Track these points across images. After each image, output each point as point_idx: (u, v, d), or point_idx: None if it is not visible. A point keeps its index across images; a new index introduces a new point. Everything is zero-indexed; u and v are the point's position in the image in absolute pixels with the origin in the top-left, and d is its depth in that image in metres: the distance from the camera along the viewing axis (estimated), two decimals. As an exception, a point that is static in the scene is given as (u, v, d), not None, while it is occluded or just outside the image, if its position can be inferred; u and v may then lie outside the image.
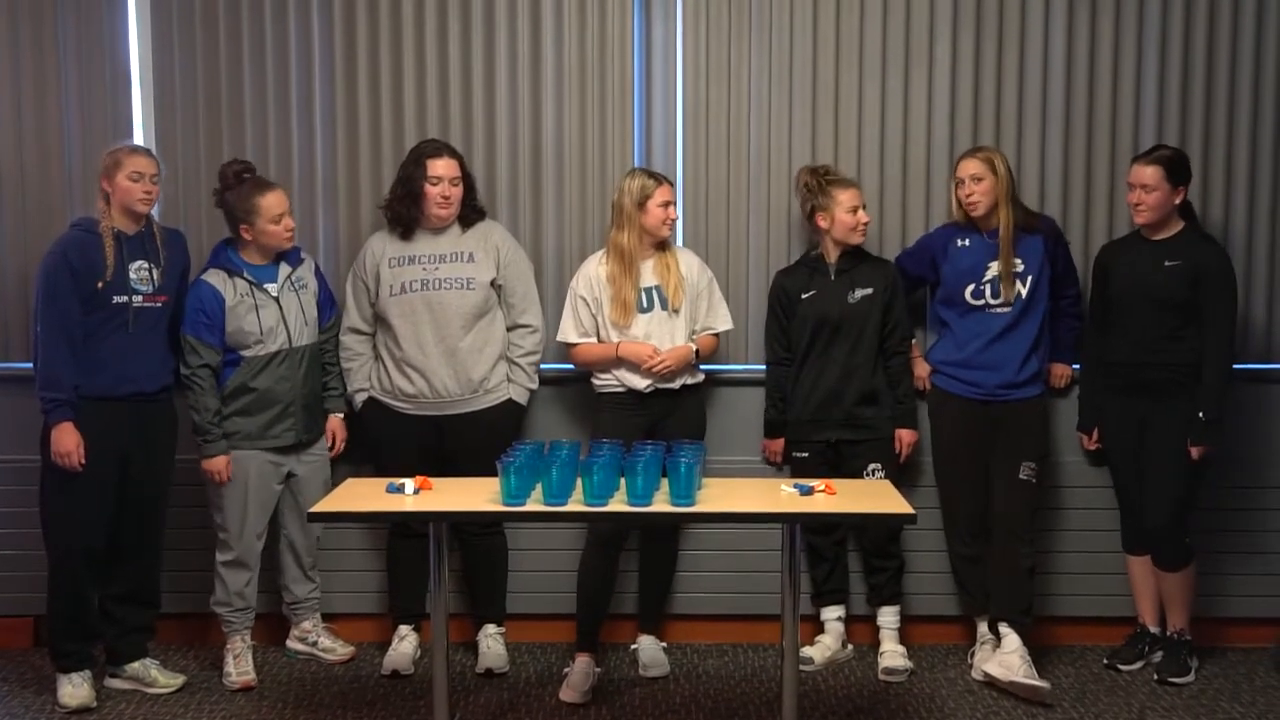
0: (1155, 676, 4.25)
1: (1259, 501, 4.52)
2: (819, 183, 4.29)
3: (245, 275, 4.19)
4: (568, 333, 4.31)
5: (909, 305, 4.41)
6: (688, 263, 4.31)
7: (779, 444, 4.43)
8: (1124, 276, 4.21)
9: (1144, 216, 4.13)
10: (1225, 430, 4.18)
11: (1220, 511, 4.46)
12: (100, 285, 3.93)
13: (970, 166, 4.21)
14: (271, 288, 4.21)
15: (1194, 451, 4.12)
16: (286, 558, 4.42)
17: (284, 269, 4.25)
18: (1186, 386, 4.14)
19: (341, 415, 4.41)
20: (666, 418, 4.25)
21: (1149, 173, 4.09)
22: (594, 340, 4.28)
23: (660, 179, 4.22)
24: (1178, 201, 4.14)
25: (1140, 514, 4.28)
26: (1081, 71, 4.48)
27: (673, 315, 4.24)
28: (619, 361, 4.22)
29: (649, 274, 4.25)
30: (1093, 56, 4.48)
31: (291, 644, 4.49)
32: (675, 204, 4.25)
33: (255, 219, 4.14)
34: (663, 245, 4.27)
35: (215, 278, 4.18)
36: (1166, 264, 4.12)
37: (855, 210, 4.26)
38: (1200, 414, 4.09)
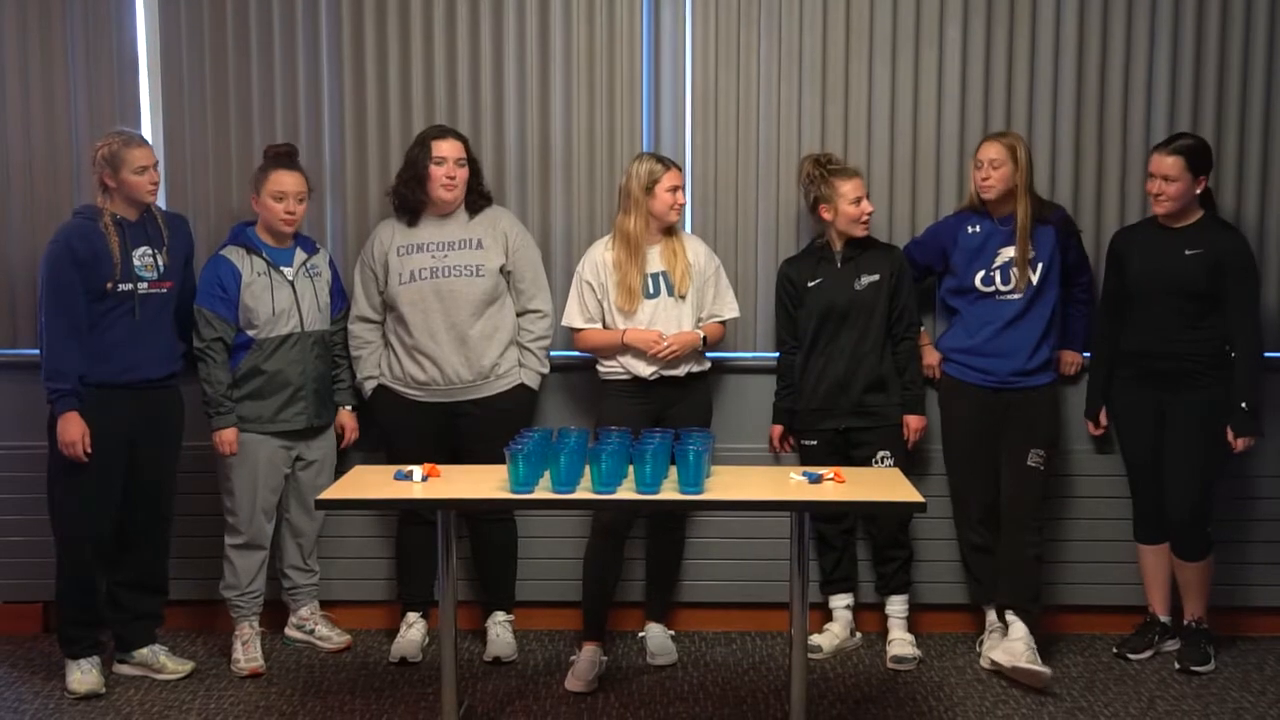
0: (1176, 665, 4.24)
1: (1272, 490, 4.50)
2: (821, 173, 4.26)
3: (263, 255, 4.20)
4: (573, 317, 4.29)
5: (917, 293, 4.39)
6: (695, 250, 4.30)
7: (780, 429, 4.42)
8: (1142, 264, 4.17)
9: (1164, 207, 4.10)
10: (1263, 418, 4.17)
11: (1234, 501, 4.45)
12: (110, 285, 3.93)
13: (991, 150, 4.18)
14: (287, 271, 4.23)
15: (1238, 444, 4.09)
16: (288, 544, 4.43)
17: (299, 254, 4.27)
18: (1205, 376, 4.12)
19: (350, 407, 4.41)
20: (673, 406, 4.23)
21: (1170, 163, 4.05)
22: (599, 326, 4.27)
23: (669, 164, 4.20)
24: (1198, 191, 4.10)
25: (1158, 504, 4.26)
26: (1093, 56, 4.45)
27: (679, 302, 4.22)
28: (625, 348, 4.21)
29: (656, 260, 4.24)
30: (1105, 41, 4.45)
31: (289, 631, 4.50)
32: (684, 189, 4.23)
33: (261, 189, 4.18)
34: (670, 231, 4.25)
35: (233, 254, 4.20)
36: (1187, 252, 4.09)
37: (858, 201, 4.23)
38: (1243, 405, 4.07)
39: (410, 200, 4.26)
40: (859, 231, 4.26)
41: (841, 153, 4.43)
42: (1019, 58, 4.47)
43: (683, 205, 4.22)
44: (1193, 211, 4.14)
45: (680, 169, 4.24)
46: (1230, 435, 4.09)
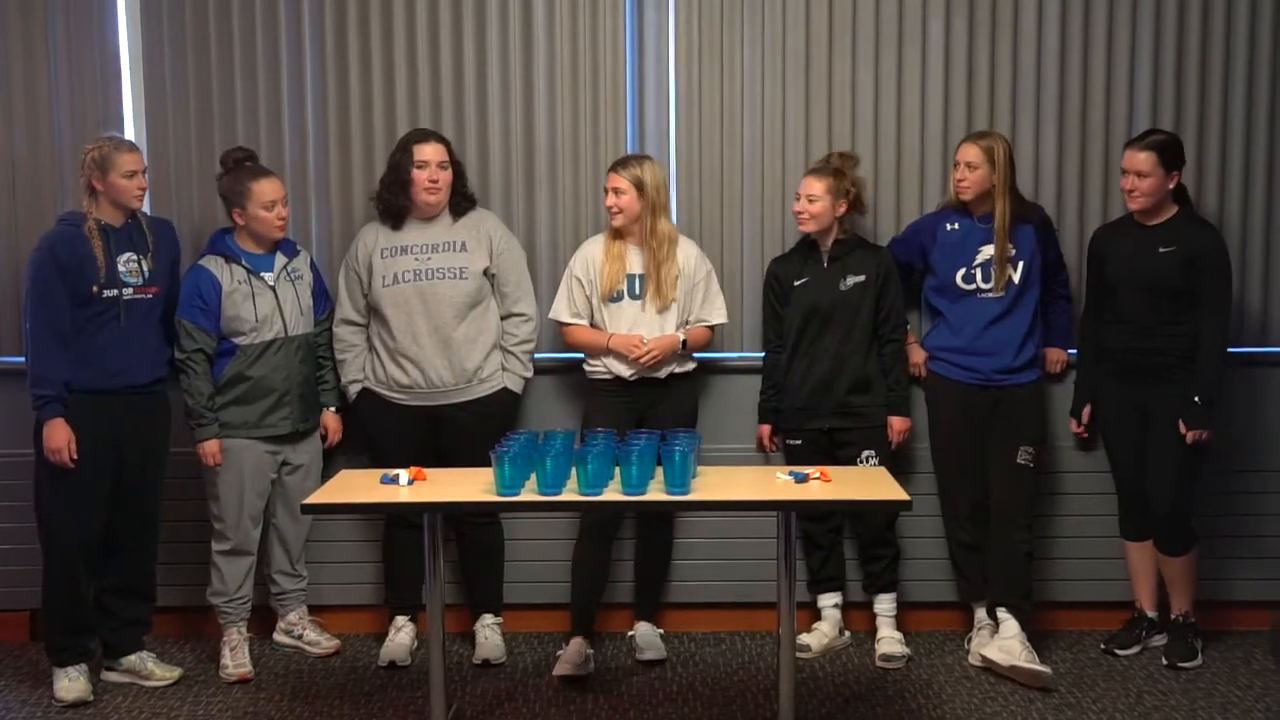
0: (1164, 661, 4.24)
1: (1256, 485, 4.51)
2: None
3: (242, 262, 4.19)
4: (560, 311, 4.30)
5: (904, 293, 4.39)
6: (686, 253, 4.30)
7: (767, 429, 4.42)
8: (1119, 263, 4.19)
9: (1138, 203, 4.12)
10: (1219, 414, 4.16)
11: (1218, 495, 4.46)
12: (95, 289, 3.92)
13: (968, 153, 4.19)
14: (268, 276, 4.22)
15: (1189, 436, 4.11)
16: (275, 549, 4.42)
17: (280, 259, 4.26)
18: (1186, 372, 4.13)
19: (334, 408, 4.40)
20: (656, 406, 4.24)
21: (1142, 159, 4.07)
22: (585, 323, 4.27)
23: (615, 165, 4.20)
24: (1171, 186, 4.12)
25: (1143, 500, 4.27)
26: (1075, 54, 4.47)
27: (665, 305, 4.22)
28: (609, 350, 4.22)
29: (643, 262, 4.23)
30: (1087, 38, 4.46)
31: (278, 636, 4.49)
32: (619, 192, 4.16)
33: (247, 203, 4.15)
34: (661, 234, 4.21)
35: (212, 264, 4.18)
36: (1161, 250, 4.11)
37: (798, 198, 4.25)
38: (1195, 398, 4.08)
39: (394, 205, 4.25)
40: (802, 229, 4.28)
41: (826, 152, 4.43)
42: (1001, 56, 4.48)
43: (621, 210, 4.17)
44: (1166, 208, 4.16)
45: (625, 174, 4.17)
46: (1182, 427, 4.10)
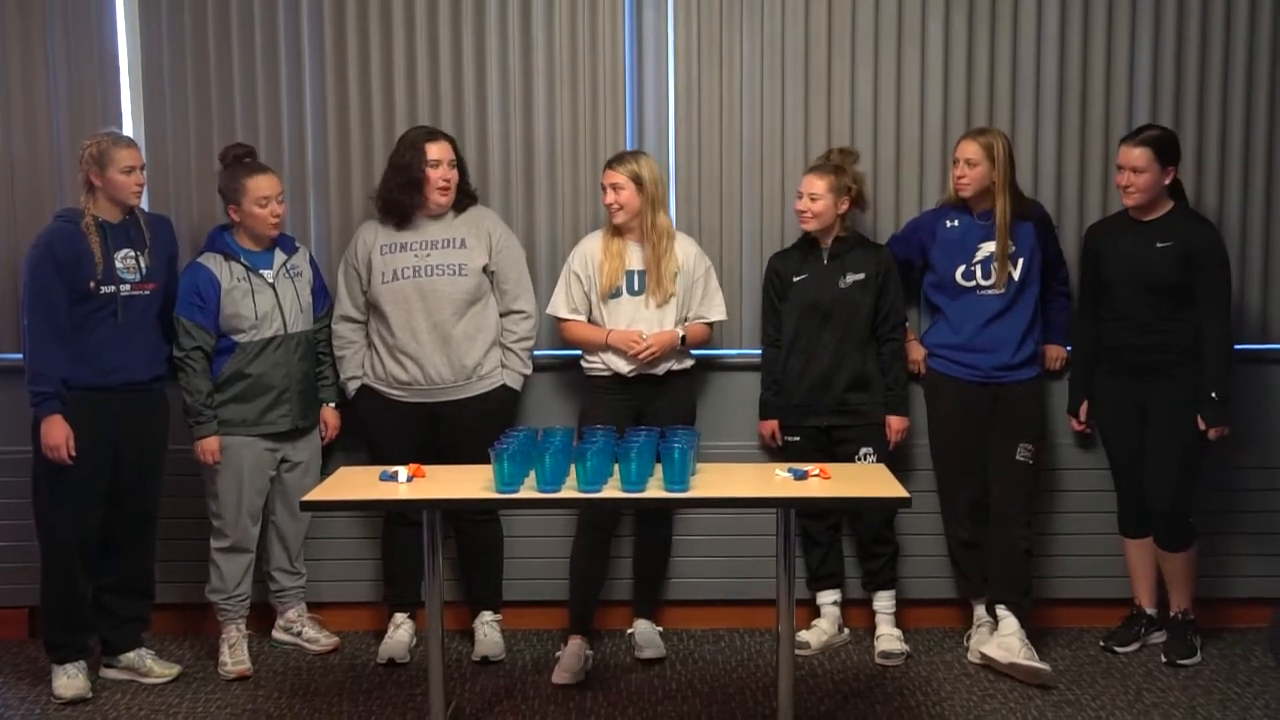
0: (1163, 659, 4.24)
1: (1256, 482, 4.52)
2: None
3: (241, 260, 4.19)
4: (558, 307, 4.30)
5: (904, 290, 4.39)
6: (685, 250, 4.29)
7: (772, 425, 4.42)
8: (1117, 260, 4.19)
9: (1134, 199, 4.12)
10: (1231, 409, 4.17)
11: (1217, 492, 4.46)
12: (92, 284, 3.92)
13: (968, 150, 4.18)
14: (267, 274, 4.22)
15: (1212, 433, 4.10)
16: (274, 547, 4.42)
17: (279, 256, 4.26)
18: (1184, 367, 4.12)
19: (334, 404, 4.40)
20: (653, 402, 4.24)
21: (1137, 154, 4.07)
22: (583, 319, 4.27)
23: (611, 161, 4.19)
24: (1167, 181, 4.12)
25: (1142, 496, 4.27)
26: (1075, 50, 4.47)
27: (663, 302, 4.22)
28: (607, 346, 4.22)
29: (642, 258, 4.23)
30: (1086, 35, 4.47)
31: (277, 634, 4.49)
32: (618, 189, 4.15)
33: (242, 199, 4.15)
34: (660, 230, 4.21)
35: (211, 261, 4.18)
36: (1158, 246, 4.10)
37: (799, 197, 4.25)
38: (1213, 394, 4.07)
39: (402, 204, 4.22)
40: (803, 227, 4.28)
41: (825, 150, 4.43)
42: (1001, 52, 4.48)
43: (622, 206, 4.16)
44: (1163, 203, 4.15)
45: (622, 170, 4.16)
46: (1201, 424, 4.10)
